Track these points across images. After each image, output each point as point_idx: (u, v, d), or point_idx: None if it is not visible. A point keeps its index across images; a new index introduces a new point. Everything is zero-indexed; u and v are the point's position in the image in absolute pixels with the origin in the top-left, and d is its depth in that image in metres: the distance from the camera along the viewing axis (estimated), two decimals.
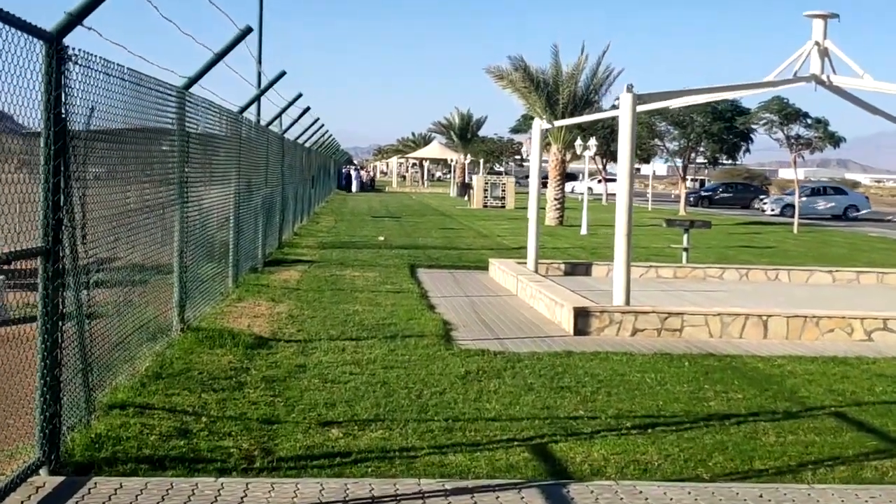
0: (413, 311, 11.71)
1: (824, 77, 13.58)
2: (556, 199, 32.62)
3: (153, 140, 8.07)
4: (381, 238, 23.49)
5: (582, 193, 64.72)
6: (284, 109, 17.30)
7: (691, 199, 50.70)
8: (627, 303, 11.32)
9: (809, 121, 34.91)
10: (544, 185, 60.65)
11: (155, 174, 8.36)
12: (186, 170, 9.13)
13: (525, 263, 16.24)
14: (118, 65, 6.48)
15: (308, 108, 20.31)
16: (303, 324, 10.55)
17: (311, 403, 7.12)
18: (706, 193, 59.32)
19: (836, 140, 34.96)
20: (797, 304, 13.56)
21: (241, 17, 10.19)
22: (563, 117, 28.58)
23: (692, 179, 49.58)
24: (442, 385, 7.90)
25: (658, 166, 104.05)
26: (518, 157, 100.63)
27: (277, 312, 11.21)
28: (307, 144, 27.95)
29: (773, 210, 48.94)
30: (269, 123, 17.34)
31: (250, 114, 18.01)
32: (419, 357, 8.97)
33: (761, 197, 54.44)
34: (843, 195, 51.31)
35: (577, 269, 17.27)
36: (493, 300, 13.52)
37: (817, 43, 13.54)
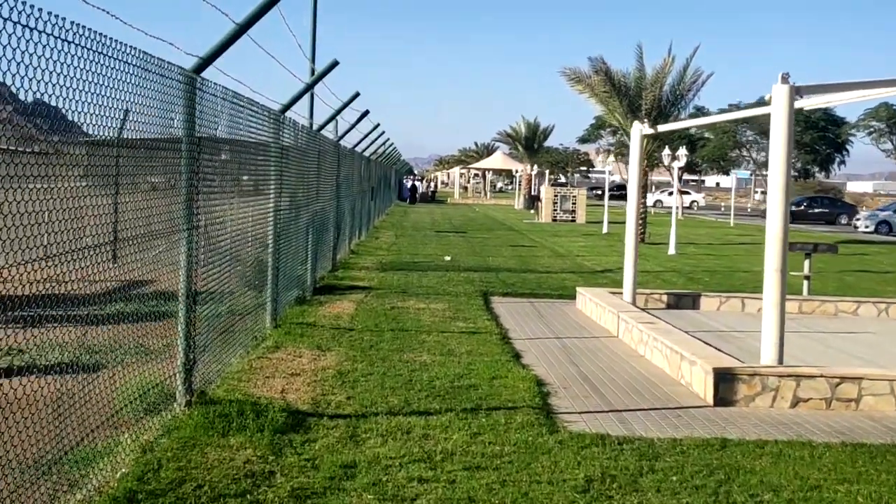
0: (496, 365, 9.12)
1: None
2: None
3: (137, 142, 5.57)
4: (448, 258, 20.94)
5: (653, 206, 61.85)
6: (339, 111, 14.85)
7: None
8: (780, 361, 8.58)
9: None
10: (618, 197, 57.54)
11: (130, 183, 5.91)
12: (197, 180, 6.64)
13: (619, 293, 13.60)
14: (63, 18, 4.02)
15: (367, 112, 17.88)
16: (354, 386, 8.01)
17: None
18: (795, 208, 55.57)
19: None
20: None
21: (296, 23, 7.75)
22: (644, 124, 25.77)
23: (763, 192, 46.21)
24: None
25: (722, 178, 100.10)
26: (584, 167, 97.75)
27: (323, 367, 8.68)
28: (366, 153, 25.55)
29: (866, 227, 45.26)
30: (322, 127, 14.91)
31: (301, 117, 15.64)
32: (514, 448, 6.37)
33: (855, 215, 50.46)
34: None
35: (683, 301, 14.52)
36: (590, 344, 10.89)
37: None
